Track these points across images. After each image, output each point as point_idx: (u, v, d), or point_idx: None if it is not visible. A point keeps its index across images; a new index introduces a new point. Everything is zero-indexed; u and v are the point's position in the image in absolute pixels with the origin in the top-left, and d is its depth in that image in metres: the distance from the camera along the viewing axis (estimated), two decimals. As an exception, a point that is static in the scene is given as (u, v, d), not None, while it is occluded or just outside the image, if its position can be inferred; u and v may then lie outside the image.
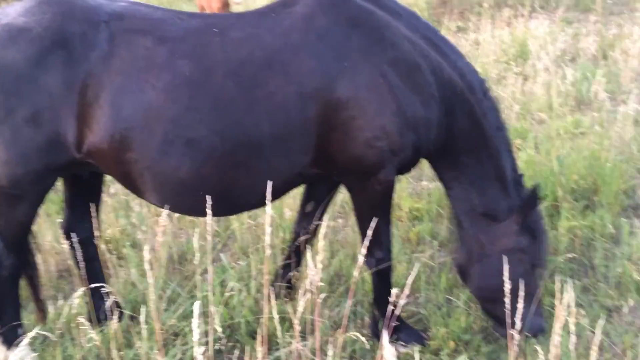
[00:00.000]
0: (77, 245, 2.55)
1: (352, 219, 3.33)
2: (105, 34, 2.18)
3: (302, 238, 2.91)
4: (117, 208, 3.98)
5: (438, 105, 2.46)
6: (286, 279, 3.03)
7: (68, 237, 2.72)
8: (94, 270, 2.74)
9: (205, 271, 3.30)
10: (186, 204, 2.39)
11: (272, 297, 2.17)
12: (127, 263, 3.37)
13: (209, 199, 2.13)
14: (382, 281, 2.71)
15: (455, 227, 2.81)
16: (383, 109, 2.34)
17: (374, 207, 2.54)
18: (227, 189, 2.36)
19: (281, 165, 2.36)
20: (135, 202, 3.85)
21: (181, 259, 3.55)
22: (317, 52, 2.30)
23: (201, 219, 3.46)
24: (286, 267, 3.04)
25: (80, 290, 2.47)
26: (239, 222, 3.69)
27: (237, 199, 2.46)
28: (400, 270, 3.19)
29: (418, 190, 4.32)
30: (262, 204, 2.17)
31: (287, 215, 3.69)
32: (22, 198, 2.33)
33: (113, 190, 4.14)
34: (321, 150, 2.37)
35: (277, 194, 2.41)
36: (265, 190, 2.15)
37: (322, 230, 2.14)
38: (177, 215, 3.74)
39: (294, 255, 3.00)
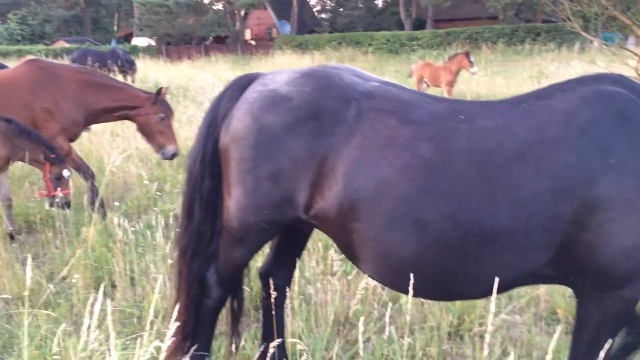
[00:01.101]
0: (270, 290, 2.76)
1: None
2: (354, 111, 2.31)
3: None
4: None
5: None
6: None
7: (264, 280, 2.92)
8: (278, 318, 2.90)
9: (368, 339, 3.34)
10: (401, 281, 2.35)
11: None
12: (295, 314, 3.50)
13: (412, 276, 2.16)
14: None
15: None
16: None
17: (603, 325, 2.24)
18: (448, 275, 2.29)
19: (514, 260, 2.20)
20: (312, 258, 4.02)
21: (346, 322, 3.58)
22: (579, 146, 2.13)
23: (371, 284, 3.53)
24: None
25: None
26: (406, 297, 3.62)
27: (456, 287, 2.35)
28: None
29: None
30: (480, 295, 2.11)
31: (457, 304, 3.55)
32: (245, 242, 2.56)
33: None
34: (564, 251, 2.16)
35: (500, 290, 2.26)
36: (489, 283, 2.10)
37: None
38: (349, 277, 3.81)
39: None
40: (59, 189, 4.78)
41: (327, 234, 2.56)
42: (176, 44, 41.36)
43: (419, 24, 40.45)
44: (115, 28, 60.06)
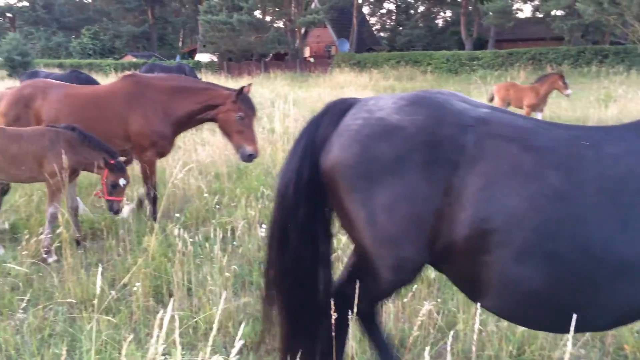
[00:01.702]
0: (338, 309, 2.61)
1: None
2: (472, 137, 2.24)
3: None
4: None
5: None
6: None
7: (334, 298, 2.79)
8: (342, 338, 2.76)
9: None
10: (527, 315, 2.29)
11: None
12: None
13: (541, 310, 2.15)
14: None
15: None
16: None
17: None
18: (579, 307, 2.18)
19: None
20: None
21: (401, 345, 3.50)
22: None
23: (427, 308, 3.45)
24: None
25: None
26: (463, 324, 3.53)
27: (585, 318, 2.23)
28: None
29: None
30: (610, 326, 2.07)
31: (517, 334, 3.41)
32: (374, 274, 2.45)
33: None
34: None
35: (633, 320, 2.19)
36: (621, 313, 2.04)
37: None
38: (404, 300, 3.74)
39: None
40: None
41: (443, 268, 2.43)
42: (237, 60, 42.43)
43: (480, 44, 39.87)
44: (180, 44, 62.26)
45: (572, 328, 2.07)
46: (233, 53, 42.04)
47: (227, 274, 3.95)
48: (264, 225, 4.77)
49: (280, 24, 44.92)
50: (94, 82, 11.98)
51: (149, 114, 5.55)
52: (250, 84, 5.90)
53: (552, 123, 2.43)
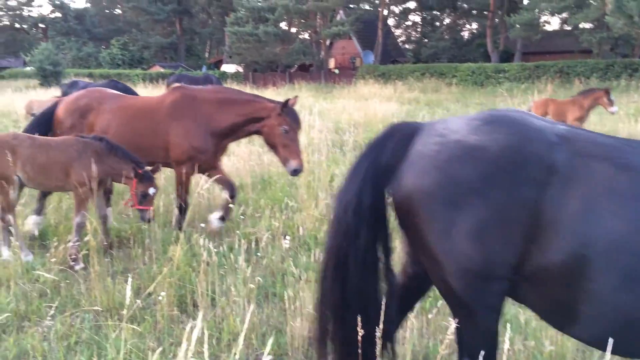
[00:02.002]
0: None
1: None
2: (561, 156, 2.12)
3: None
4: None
5: None
6: None
7: None
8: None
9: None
10: (630, 344, 2.16)
11: None
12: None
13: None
14: None
15: None
16: None
17: None
18: None
19: None
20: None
21: (425, 362, 3.46)
22: None
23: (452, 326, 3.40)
24: None
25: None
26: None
27: None
28: None
29: None
30: None
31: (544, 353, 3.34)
32: (461, 306, 2.32)
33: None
34: None
35: None
36: None
37: None
38: (429, 315, 3.69)
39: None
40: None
41: (525, 295, 2.28)
42: (262, 71, 42.80)
43: (506, 57, 39.53)
44: (206, 55, 63.12)
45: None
46: (258, 64, 42.44)
47: (252, 286, 3.95)
48: (287, 237, 4.77)
49: (305, 35, 45.24)
50: (132, 92, 12.17)
51: (190, 128, 5.52)
52: (296, 97, 5.77)
53: (630, 140, 2.30)
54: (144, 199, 4.96)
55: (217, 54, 60.82)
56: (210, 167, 5.82)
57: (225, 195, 5.93)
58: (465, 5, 44.35)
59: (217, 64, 52.54)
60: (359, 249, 2.39)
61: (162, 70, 43.44)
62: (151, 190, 4.96)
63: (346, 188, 2.46)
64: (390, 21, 51.17)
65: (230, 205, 5.74)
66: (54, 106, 6.18)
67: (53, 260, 4.65)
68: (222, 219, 5.78)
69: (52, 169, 4.92)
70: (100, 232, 5.16)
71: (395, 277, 2.58)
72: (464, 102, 22.52)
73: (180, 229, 5.26)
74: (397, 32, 55.75)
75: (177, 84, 6.08)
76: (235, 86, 27.99)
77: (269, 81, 37.31)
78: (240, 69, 44.37)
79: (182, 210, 5.68)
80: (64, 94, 12.56)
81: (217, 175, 5.77)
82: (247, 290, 3.99)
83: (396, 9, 50.43)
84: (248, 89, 27.59)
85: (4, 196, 4.96)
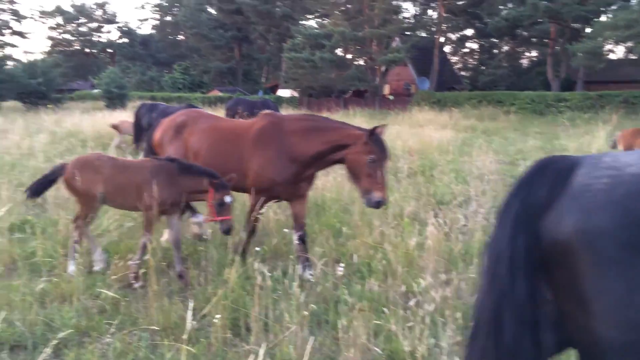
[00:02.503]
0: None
1: None
2: None
3: None
4: None
5: None
6: None
7: None
8: None
9: None
10: None
11: None
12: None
13: None
14: None
15: None
16: None
17: None
18: None
19: None
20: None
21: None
22: None
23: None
24: None
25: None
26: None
27: None
28: None
29: None
30: None
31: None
32: None
33: None
34: None
35: None
36: None
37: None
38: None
39: None
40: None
41: None
42: (317, 96, 43.33)
43: (567, 85, 38.49)
44: (263, 79, 64.59)
45: None
46: (313, 89, 43.02)
47: (305, 313, 3.92)
48: (342, 264, 4.74)
49: (360, 61, 45.61)
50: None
51: (271, 158, 5.35)
52: (384, 125, 5.42)
53: None
54: (221, 208, 4.90)
55: (273, 78, 62.13)
56: (292, 196, 5.58)
57: (294, 236, 5.63)
58: (524, 33, 43.68)
59: (273, 89, 53.65)
60: (516, 305, 2.11)
61: (220, 94, 44.73)
62: (227, 198, 4.91)
63: (497, 236, 2.20)
64: (447, 48, 50.98)
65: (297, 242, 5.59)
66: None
67: (113, 277, 4.78)
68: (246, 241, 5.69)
69: (128, 189, 5.10)
70: (175, 258, 5.15)
71: (552, 334, 2.22)
72: (522, 130, 21.99)
73: (243, 255, 5.27)
74: (454, 59, 55.43)
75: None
76: (290, 111, 28.40)
77: (323, 106, 37.71)
78: (296, 94, 45.10)
79: (250, 235, 5.60)
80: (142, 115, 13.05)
81: (295, 210, 5.62)
82: (301, 316, 3.97)
83: (453, 36, 50.27)
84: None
85: (86, 210, 5.21)
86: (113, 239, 6.16)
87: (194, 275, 5.06)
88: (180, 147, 5.83)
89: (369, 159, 5.07)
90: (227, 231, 4.99)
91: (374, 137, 5.13)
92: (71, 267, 5.11)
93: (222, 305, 4.17)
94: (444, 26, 45.74)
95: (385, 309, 4.17)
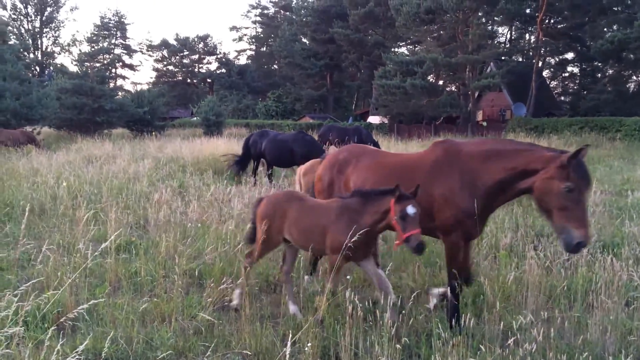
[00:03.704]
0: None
1: None
2: None
3: None
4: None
5: None
6: None
7: None
8: None
9: None
10: None
11: None
12: None
13: None
14: None
15: None
16: None
17: None
18: None
19: None
20: None
21: None
22: None
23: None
24: None
25: None
26: None
27: None
28: None
29: None
30: None
31: None
32: None
33: None
34: None
35: None
36: None
37: None
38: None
39: None
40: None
41: None
42: (407, 123, 43.03)
43: (682, 110, 35.58)
44: (353, 106, 65.27)
45: None
46: (404, 116, 42.81)
47: (398, 346, 3.81)
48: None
49: (452, 87, 44.87)
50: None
51: (454, 188, 4.64)
52: (587, 145, 4.40)
53: None
54: (405, 222, 4.27)
55: (363, 105, 62.65)
56: (473, 237, 4.90)
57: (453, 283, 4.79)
58: (631, 56, 41.06)
59: (363, 115, 53.99)
60: None
61: (311, 120, 45.67)
62: (410, 209, 4.26)
63: None
64: (545, 72, 49.01)
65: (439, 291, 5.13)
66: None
67: (209, 300, 4.92)
68: (443, 297, 5.07)
69: (314, 231, 4.77)
70: (389, 312, 4.46)
71: None
72: (629, 158, 20.50)
73: (460, 328, 4.60)
74: (553, 83, 53.11)
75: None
76: (380, 138, 28.35)
77: (413, 133, 37.35)
78: (386, 121, 45.08)
79: (457, 292, 4.74)
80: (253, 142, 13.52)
81: (465, 253, 4.87)
82: (392, 350, 3.86)
83: (552, 60, 48.24)
84: (392, 140, 27.81)
85: (264, 250, 5.12)
86: (205, 262, 6.37)
87: (285, 300, 5.10)
88: (340, 188, 5.46)
89: (564, 188, 4.12)
90: (419, 248, 4.21)
91: (575, 161, 4.13)
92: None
93: (313, 333, 4.15)
94: (542, 50, 44.07)
95: (481, 346, 3.96)
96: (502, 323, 4.27)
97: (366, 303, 4.53)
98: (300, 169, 8.63)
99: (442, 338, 4.03)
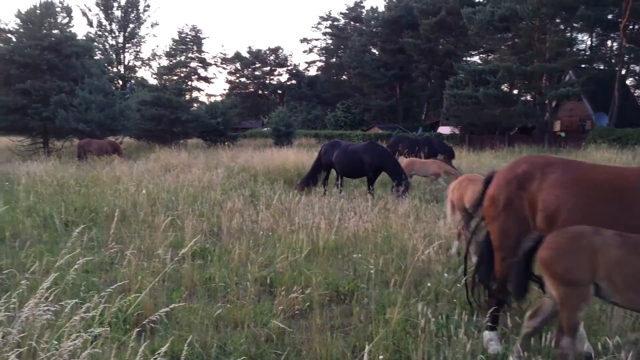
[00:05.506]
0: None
1: None
2: None
3: None
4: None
5: None
6: None
7: None
8: None
9: None
10: None
11: None
12: None
13: None
14: None
15: None
16: None
17: None
18: None
19: None
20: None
21: None
22: None
23: None
24: None
25: None
26: None
27: None
28: None
29: None
30: None
31: None
32: None
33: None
34: None
35: None
36: None
37: None
38: None
39: None
40: None
41: None
42: (479, 133, 41.96)
43: None
44: (423, 117, 64.47)
45: None
46: (476, 126, 41.76)
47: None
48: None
49: (528, 96, 43.35)
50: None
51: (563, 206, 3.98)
52: None
53: None
54: None
55: (433, 116, 61.73)
56: None
57: None
58: None
59: (433, 126, 53.16)
60: None
61: (380, 131, 45.49)
62: None
63: None
64: (629, 80, 46.45)
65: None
66: None
67: (280, 308, 4.97)
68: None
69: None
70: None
71: None
72: None
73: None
74: (637, 92, 50.23)
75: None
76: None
77: (486, 144, 36.34)
78: (456, 131, 44.17)
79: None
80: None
81: None
82: (467, 366, 3.74)
83: (637, 68, 45.65)
84: (464, 151, 27.20)
85: (569, 306, 3.63)
86: (275, 270, 6.44)
87: (355, 312, 5.07)
88: (522, 209, 4.34)
89: None
90: None
91: None
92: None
93: (384, 346, 4.10)
94: (625, 57, 41.78)
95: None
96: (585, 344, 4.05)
97: (439, 317, 4.42)
98: (450, 187, 8.15)
99: (522, 358, 3.87)
